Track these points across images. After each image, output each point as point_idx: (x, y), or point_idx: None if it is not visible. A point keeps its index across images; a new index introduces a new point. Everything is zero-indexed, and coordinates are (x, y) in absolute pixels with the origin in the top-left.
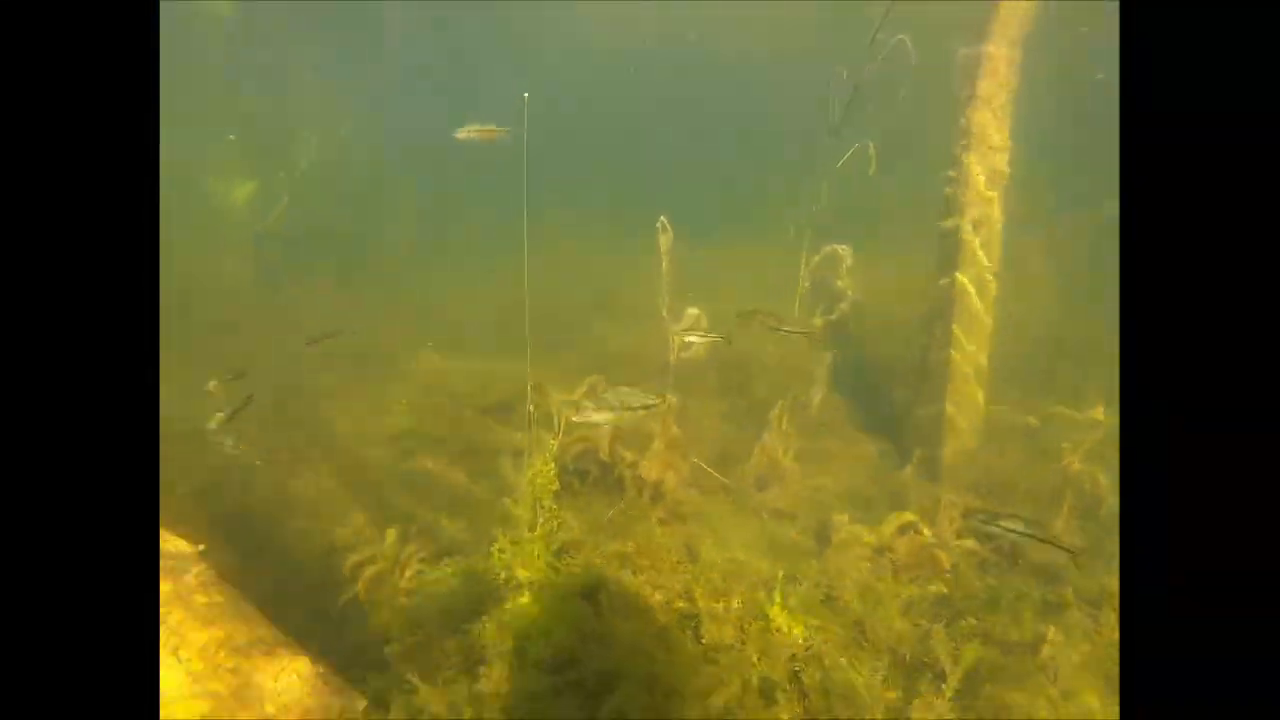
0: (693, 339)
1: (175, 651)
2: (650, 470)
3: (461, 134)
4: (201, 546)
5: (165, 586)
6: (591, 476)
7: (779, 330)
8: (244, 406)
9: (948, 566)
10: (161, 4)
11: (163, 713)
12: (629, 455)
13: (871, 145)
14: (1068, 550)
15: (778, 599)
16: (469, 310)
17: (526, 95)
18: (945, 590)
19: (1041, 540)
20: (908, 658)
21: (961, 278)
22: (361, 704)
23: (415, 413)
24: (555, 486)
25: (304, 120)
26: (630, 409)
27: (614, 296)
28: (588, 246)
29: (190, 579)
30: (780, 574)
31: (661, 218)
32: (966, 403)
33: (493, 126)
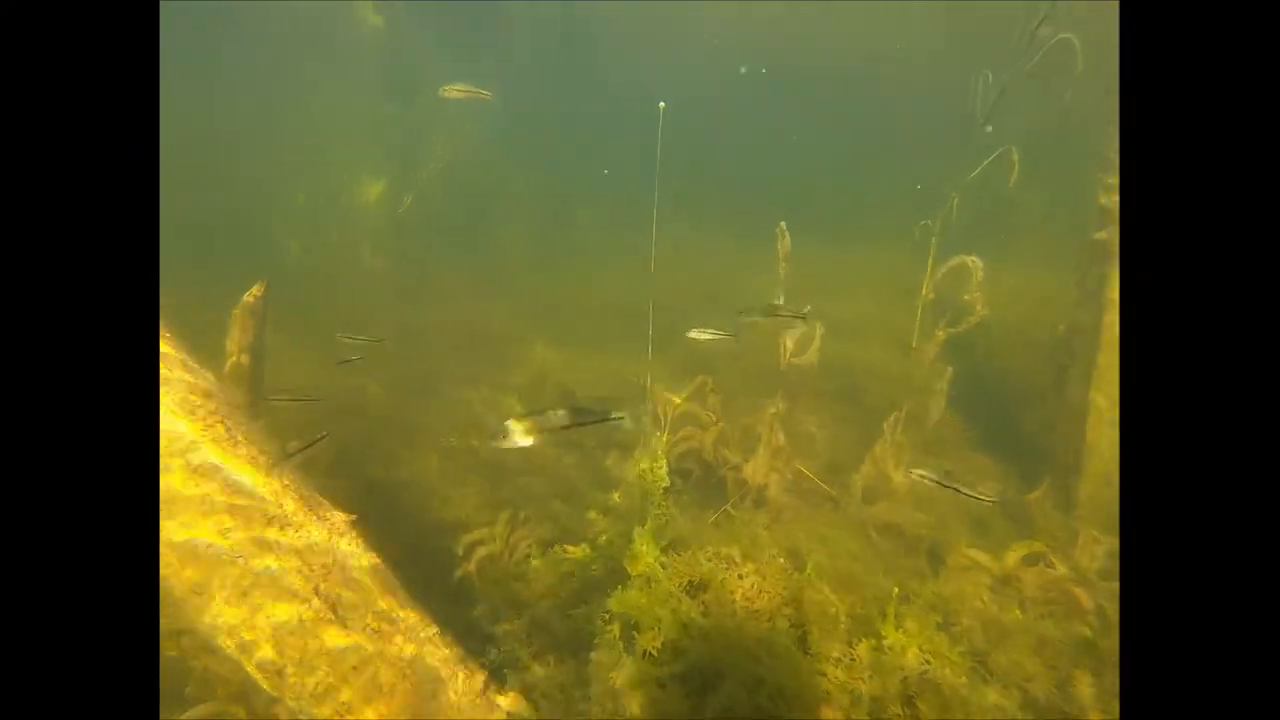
0: (703, 336)
1: (334, 608)
2: (755, 474)
3: (449, 91)
4: (353, 516)
5: (325, 554)
6: (694, 476)
7: (773, 317)
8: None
9: (1089, 607)
10: (318, 12)
11: (330, 670)
12: (733, 457)
13: (1015, 152)
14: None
15: (891, 617)
16: (583, 304)
17: (663, 105)
18: (1090, 634)
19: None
20: (1042, 700)
21: (1113, 293)
22: (481, 676)
23: (527, 401)
24: (666, 483)
25: (436, 120)
26: (583, 424)
27: (728, 297)
28: (707, 247)
29: (344, 544)
30: (895, 591)
31: (781, 222)
32: (1110, 429)
33: (483, 91)
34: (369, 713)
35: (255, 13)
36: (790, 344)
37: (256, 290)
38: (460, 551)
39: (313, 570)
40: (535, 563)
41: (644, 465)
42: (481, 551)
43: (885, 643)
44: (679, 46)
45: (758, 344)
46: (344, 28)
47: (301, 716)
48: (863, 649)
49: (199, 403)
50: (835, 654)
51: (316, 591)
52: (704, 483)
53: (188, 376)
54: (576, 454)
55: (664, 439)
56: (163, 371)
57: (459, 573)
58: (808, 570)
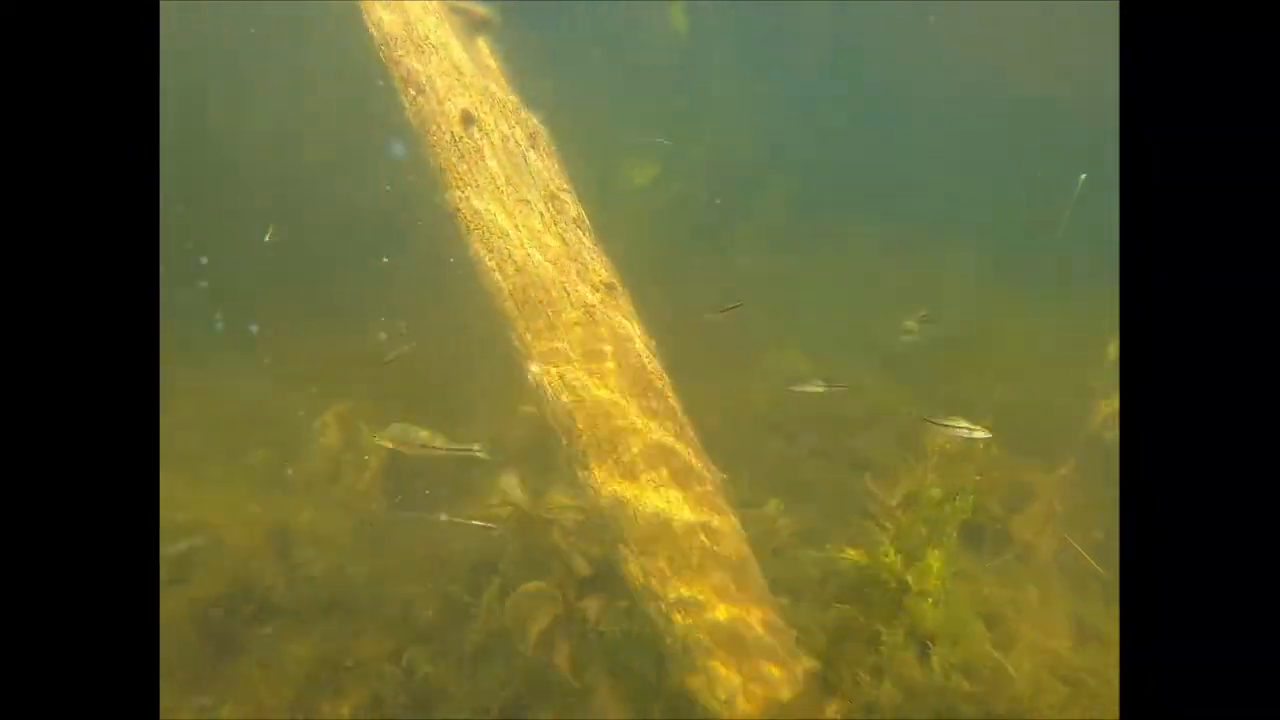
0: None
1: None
2: (1024, 529)
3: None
4: (724, 475)
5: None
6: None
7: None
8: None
9: None
10: (636, 11)
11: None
12: (996, 509)
13: None
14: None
15: None
16: (830, 309)
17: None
18: None
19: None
20: None
21: None
22: (806, 662)
23: (771, 403)
24: (967, 515)
25: (712, 114)
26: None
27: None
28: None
29: (716, 498)
30: None
31: None
32: None
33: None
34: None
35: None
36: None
37: None
38: None
39: None
40: (804, 556)
41: (935, 492)
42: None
43: None
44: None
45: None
46: (653, 28)
47: None
48: None
49: None
50: None
51: None
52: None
53: None
54: (823, 460)
55: (929, 471)
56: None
57: None
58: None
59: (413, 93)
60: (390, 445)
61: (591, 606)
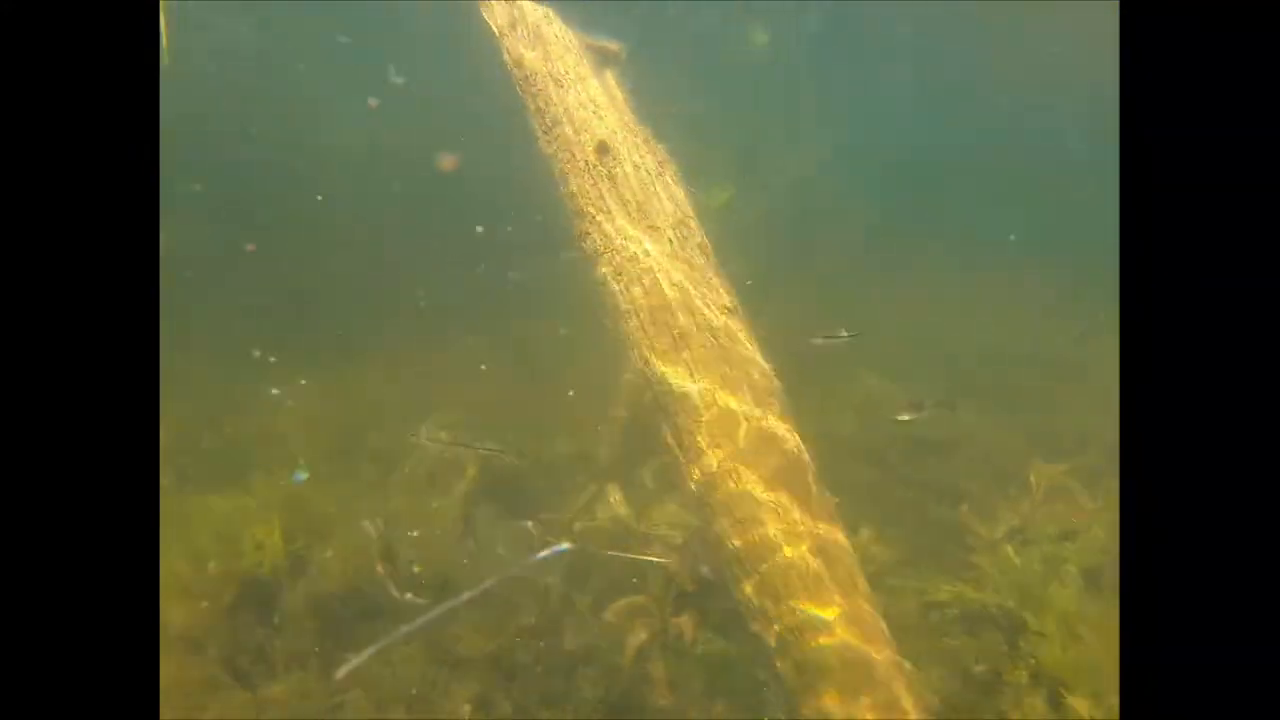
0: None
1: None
2: None
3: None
4: (835, 499)
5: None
6: None
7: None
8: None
9: None
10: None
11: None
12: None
13: None
14: None
15: None
16: (913, 332)
17: None
18: None
19: None
20: None
21: None
22: (928, 696)
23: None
24: (1090, 556)
25: (800, 134)
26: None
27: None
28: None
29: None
30: None
31: None
32: None
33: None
34: None
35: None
36: None
37: None
38: None
39: None
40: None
41: (1050, 529)
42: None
43: None
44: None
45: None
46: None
47: None
48: None
49: None
50: None
51: None
52: None
53: None
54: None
55: (1035, 504)
56: None
57: None
58: None
59: (549, 123)
60: (428, 441)
61: (688, 624)
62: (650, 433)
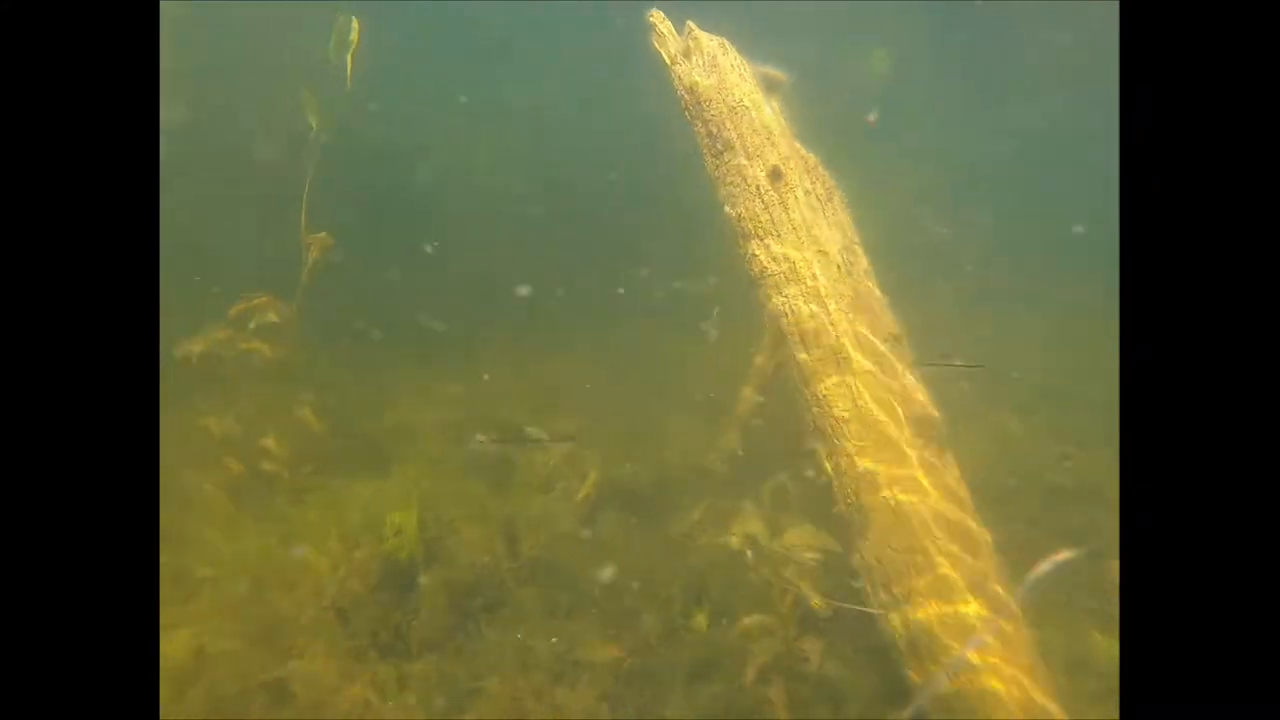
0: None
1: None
2: None
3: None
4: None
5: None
6: None
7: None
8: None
9: None
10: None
11: None
12: None
13: None
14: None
15: None
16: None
17: None
18: None
19: None
20: None
21: None
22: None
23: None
24: None
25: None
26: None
27: None
28: None
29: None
30: None
31: None
32: None
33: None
34: None
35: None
36: None
37: None
38: None
39: None
40: None
41: None
42: None
43: None
44: None
45: None
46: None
47: None
48: None
49: None
50: None
51: None
52: None
53: None
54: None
55: None
56: None
57: None
58: None
59: (720, 147)
60: (488, 441)
61: (815, 649)
62: (774, 453)
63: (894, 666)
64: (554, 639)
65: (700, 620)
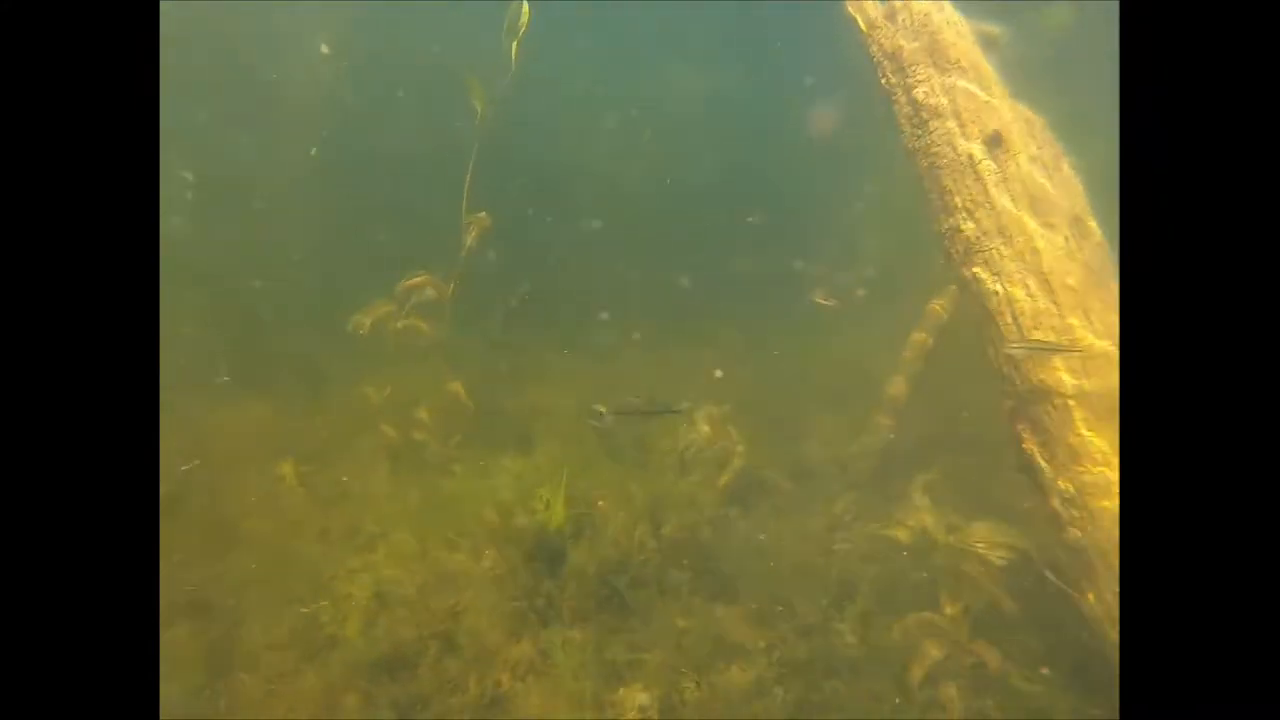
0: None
1: None
2: None
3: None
4: None
5: None
6: None
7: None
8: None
9: None
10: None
11: None
12: None
13: None
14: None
15: None
16: None
17: None
18: None
19: None
20: None
21: None
22: None
23: None
24: None
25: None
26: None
27: None
28: None
29: None
30: None
31: None
32: None
33: None
34: None
35: None
36: None
37: None
38: None
39: None
40: None
41: None
42: None
43: None
44: None
45: None
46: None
47: None
48: None
49: None
50: None
51: None
52: None
53: None
54: None
55: None
56: None
57: None
58: None
59: (925, 116)
60: (606, 410)
61: (992, 654)
62: (927, 441)
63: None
64: (702, 620)
65: (854, 612)
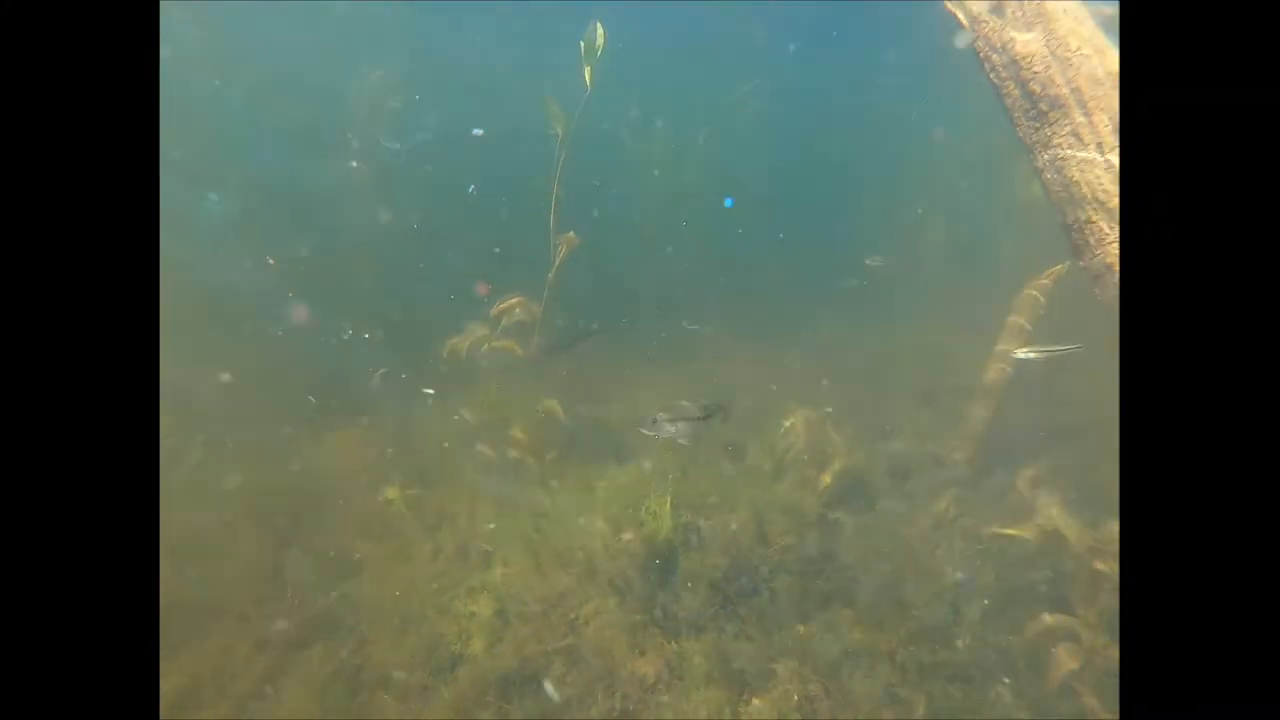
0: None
1: None
2: None
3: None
4: None
5: None
6: None
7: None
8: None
9: None
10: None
11: None
12: None
13: None
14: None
15: None
16: None
17: None
18: None
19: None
20: None
21: None
22: None
23: None
24: None
25: None
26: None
27: None
28: None
29: None
30: None
31: None
32: None
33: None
34: None
35: None
36: None
37: None
38: None
39: None
40: None
41: None
42: None
43: None
44: None
45: None
46: None
47: None
48: None
49: None
50: None
51: None
52: None
53: None
54: None
55: None
56: None
57: None
58: None
59: (1044, 108)
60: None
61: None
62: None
63: None
64: (819, 627)
65: (973, 614)
